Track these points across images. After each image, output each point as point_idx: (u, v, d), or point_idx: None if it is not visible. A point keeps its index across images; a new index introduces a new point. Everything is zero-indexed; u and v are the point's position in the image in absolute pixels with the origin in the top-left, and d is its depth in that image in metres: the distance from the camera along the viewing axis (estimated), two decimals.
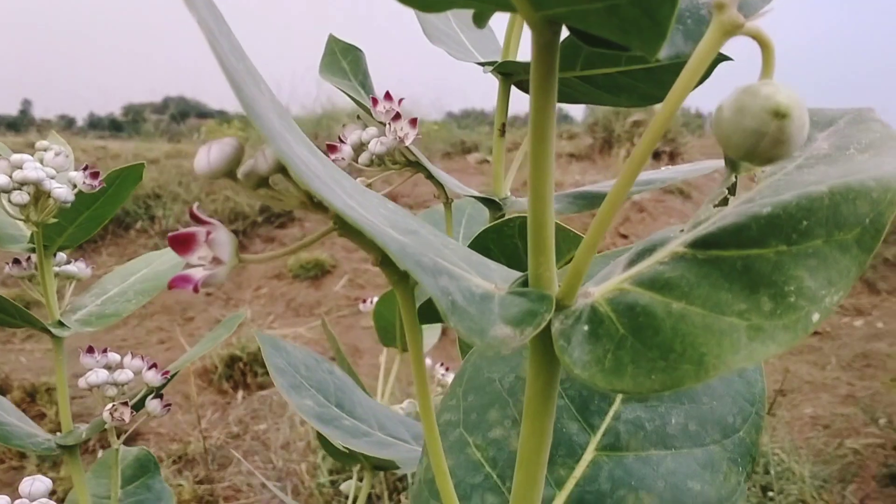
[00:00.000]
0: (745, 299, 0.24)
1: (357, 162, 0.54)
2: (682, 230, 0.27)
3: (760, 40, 0.22)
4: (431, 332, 0.95)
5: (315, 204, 0.25)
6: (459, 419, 0.34)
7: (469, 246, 0.50)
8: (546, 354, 0.26)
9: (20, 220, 0.58)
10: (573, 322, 0.25)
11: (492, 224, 0.49)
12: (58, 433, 0.64)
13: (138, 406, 0.60)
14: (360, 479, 0.96)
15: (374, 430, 0.58)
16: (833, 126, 0.29)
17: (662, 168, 0.57)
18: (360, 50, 0.59)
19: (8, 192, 0.55)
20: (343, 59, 0.58)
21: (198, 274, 0.22)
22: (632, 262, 0.27)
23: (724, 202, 0.27)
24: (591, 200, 0.55)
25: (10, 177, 0.55)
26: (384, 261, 0.26)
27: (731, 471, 0.33)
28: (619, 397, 0.34)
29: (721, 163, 0.60)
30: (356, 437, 0.56)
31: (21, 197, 0.55)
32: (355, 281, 3.97)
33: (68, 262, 0.67)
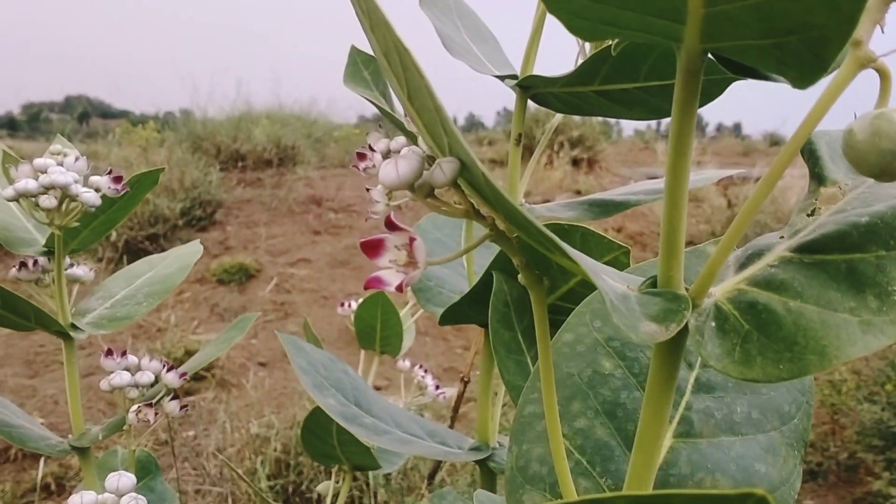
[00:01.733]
0: (853, 298, 0.27)
1: None
2: (782, 237, 0.30)
3: (882, 72, 0.25)
4: (409, 336, 0.97)
5: (476, 212, 0.27)
6: (544, 411, 0.37)
7: (501, 252, 0.53)
8: (671, 347, 0.29)
9: (44, 223, 0.58)
10: (704, 319, 0.28)
11: None
12: (69, 435, 0.64)
13: (149, 398, 0.61)
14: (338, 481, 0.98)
15: (392, 427, 0.60)
16: None
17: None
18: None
19: (35, 196, 0.56)
20: (365, 70, 0.60)
21: (395, 277, 0.24)
22: (742, 266, 0.30)
23: (814, 212, 0.31)
24: (605, 208, 0.58)
25: (37, 180, 0.56)
26: (527, 264, 0.29)
27: (788, 454, 0.37)
28: (689, 388, 0.38)
29: (717, 173, 0.64)
30: (379, 435, 0.58)
31: (49, 201, 0.56)
32: (282, 286, 3.94)
33: (71, 266, 0.67)
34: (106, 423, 0.63)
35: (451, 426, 0.68)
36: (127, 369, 0.60)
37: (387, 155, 0.58)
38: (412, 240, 0.25)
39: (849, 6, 0.21)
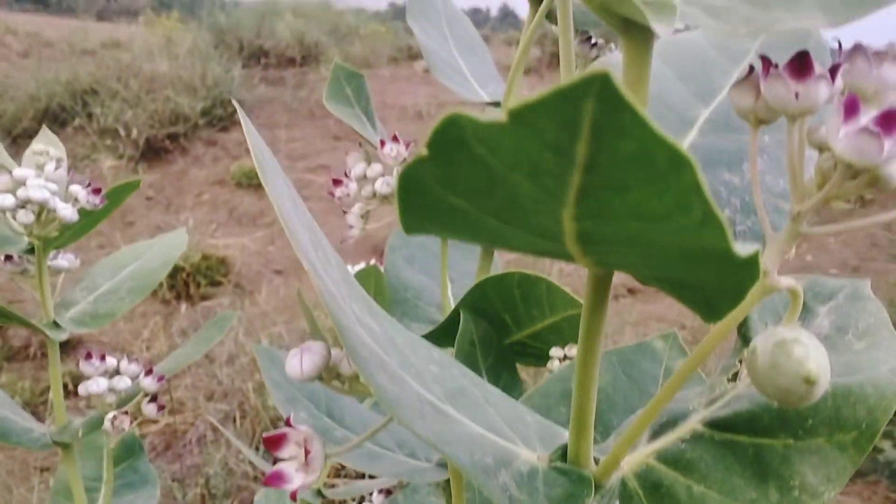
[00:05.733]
0: (756, 488, 0.28)
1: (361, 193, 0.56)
2: (699, 402, 0.31)
3: (793, 293, 0.25)
4: None
5: None
6: None
7: (470, 291, 0.53)
8: None
9: (22, 234, 0.59)
10: (608, 501, 0.28)
11: (493, 275, 0.52)
12: (51, 427, 0.66)
13: (127, 400, 0.62)
14: None
15: None
16: (833, 300, 0.33)
17: None
18: (361, 76, 0.60)
19: (13, 210, 0.56)
20: (347, 86, 0.59)
21: (296, 478, 0.25)
22: (655, 434, 0.30)
23: (735, 377, 0.31)
24: None
25: (15, 195, 0.56)
26: None
27: None
28: None
29: None
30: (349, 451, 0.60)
31: (27, 216, 0.56)
32: (300, 192, 3.93)
33: (56, 257, 0.68)
34: (87, 418, 0.65)
35: None
36: (105, 372, 0.62)
37: (361, 178, 0.58)
38: (307, 451, 0.25)
39: (734, 285, 0.21)
